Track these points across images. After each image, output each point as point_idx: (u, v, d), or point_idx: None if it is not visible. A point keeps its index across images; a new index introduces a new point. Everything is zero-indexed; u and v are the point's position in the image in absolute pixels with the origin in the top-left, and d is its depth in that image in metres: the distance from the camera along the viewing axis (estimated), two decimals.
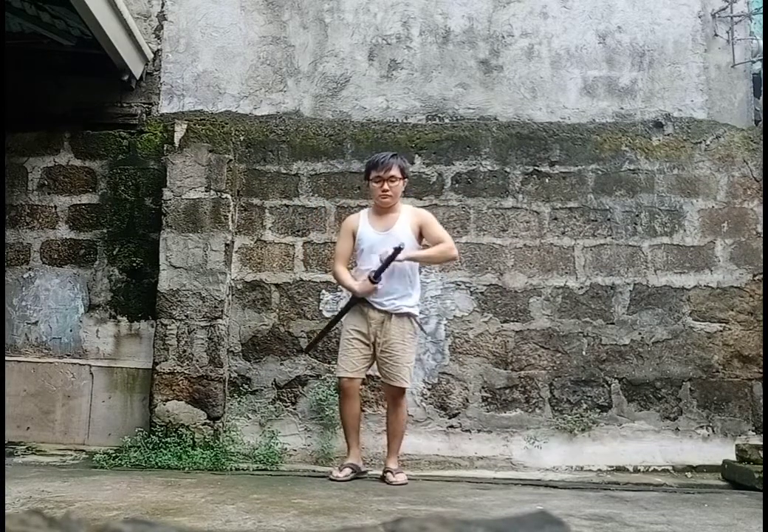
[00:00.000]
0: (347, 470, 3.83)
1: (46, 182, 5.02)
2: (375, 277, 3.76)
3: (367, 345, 3.88)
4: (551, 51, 5.15)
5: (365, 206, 4.82)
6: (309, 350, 4.47)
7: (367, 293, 3.82)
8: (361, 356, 3.88)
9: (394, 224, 3.93)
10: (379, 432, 4.54)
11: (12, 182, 4.99)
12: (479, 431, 4.59)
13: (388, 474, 3.80)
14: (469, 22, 5.19)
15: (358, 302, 3.89)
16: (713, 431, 4.61)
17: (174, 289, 4.57)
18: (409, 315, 3.88)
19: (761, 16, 5.10)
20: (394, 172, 3.92)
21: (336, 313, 4.23)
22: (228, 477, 3.86)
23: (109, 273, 4.91)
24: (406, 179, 4.06)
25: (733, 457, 4.14)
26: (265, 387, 4.64)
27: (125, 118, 5.07)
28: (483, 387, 4.65)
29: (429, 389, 4.64)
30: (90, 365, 4.79)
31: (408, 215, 3.98)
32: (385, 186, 3.90)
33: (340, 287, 4.36)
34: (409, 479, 3.93)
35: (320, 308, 4.66)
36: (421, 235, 3.97)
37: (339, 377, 3.98)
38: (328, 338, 4.65)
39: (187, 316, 4.54)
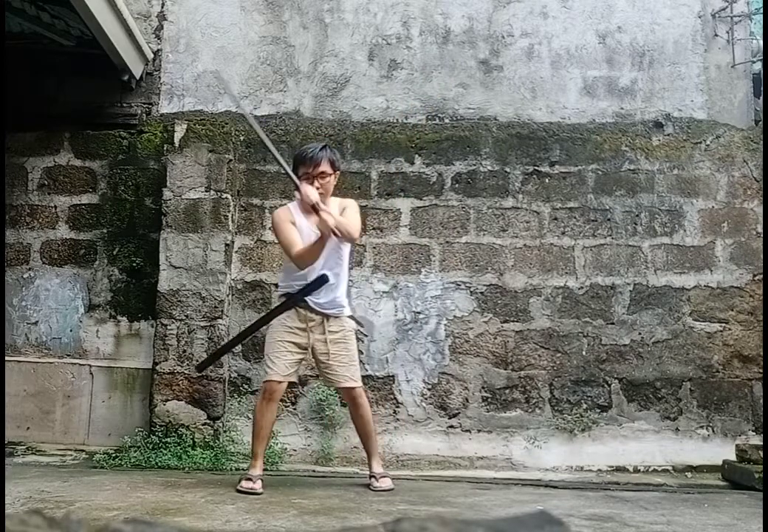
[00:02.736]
0: (260, 483, 3.45)
1: (46, 182, 5.02)
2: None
3: (302, 349, 3.57)
4: (551, 51, 5.15)
5: (365, 206, 4.83)
6: (203, 368, 4.09)
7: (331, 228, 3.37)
8: (294, 360, 3.57)
9: None
10: (379, 432, 4.53)
11: (12, 182, 4.99)
12: (479, 431, 4.59)
13: (372, 480, 3.62)
14: (469, 22, 5.19)
15: (295, 305, 3.56)
16: (713, 431, 4.61)
17: (174, 289, 4.57)
18: (347, 316, 3.65)
19: (761, 16, 5.10)
20: (324, 167, 3.54)
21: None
22: (228, 477, 3.85)
23: (109, 273, 4.91)
24: (337, 172, 3.69)
25: (733, 457, 4.14)
26: None
27: (125, 118, 5.07)
28: (483, 387, 4.65)
29: (429, 389, 4.64)
30: (90, 365, 4.79)
31: (335, 208, 3.61)
32: (316, 184, 3.51)
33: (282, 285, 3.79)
34: (409, 479, 3.93)
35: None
36: None
37: (267, 380, 3.57)
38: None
39: (187, 316, 4.54)
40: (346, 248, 3.68)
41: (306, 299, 3.54)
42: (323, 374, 3.69)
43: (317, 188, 3.53)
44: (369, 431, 3.70)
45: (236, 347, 4.67)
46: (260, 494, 3.36)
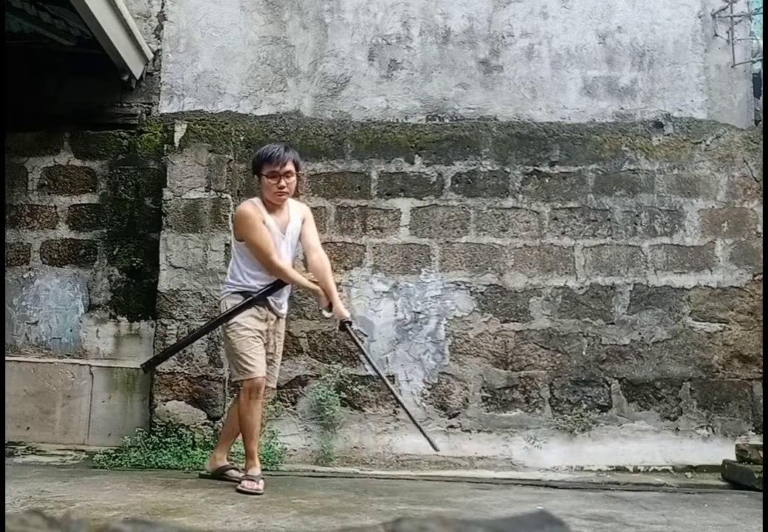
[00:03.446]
0: (262, 482, 3.47)
1: (46, 182, 5.02)
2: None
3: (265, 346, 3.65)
4: (551, 51, 5.15)
5: (365, 206, 4.84)
6: (151, 367, 4.09)
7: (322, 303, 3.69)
8: (265, 355, 3.63)
9: (289, 223, 3.70)
10: (379, 432, 4.54)
11: (12, 182, 4.99)
12: (479, 431, 4.59)
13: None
14: (469, 22, 5.19)
15: (255, 304, 3.60)
16: (713, 431, 4.61)
17: (174, 289, 4.57)
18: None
19: (761, 16, 5.10)
20: (290, 167, 3.64)
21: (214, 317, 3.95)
22: None
23: (109, 273, 4.91)
24: (299, 171, 3.83)
25: (733, 457, 4.14)
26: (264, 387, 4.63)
27: (125, 118, 5.07)
28: (483, 387, 4.65)
29: (429, 389, 4.64)
30: (90, 365, 4.79)
31: (296, 211, 3.76)
32: (282, 182, 3.60)
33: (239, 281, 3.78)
34: (409, 479, 3.93)
35: (320, 308, 4.66)
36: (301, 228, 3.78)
37: (251, 379, 3.52)
38: (328, 337, 4.65)
39: (187, 316, 4.54)
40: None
41: (267, 298, 3.62)
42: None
43: (282, 188, 3.61)
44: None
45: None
46: (261, 494, 3.36)
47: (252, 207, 3.66)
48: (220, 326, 3.75)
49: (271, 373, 3.71)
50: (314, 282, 3.67)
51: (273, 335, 3.70)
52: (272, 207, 3.68)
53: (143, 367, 4.07)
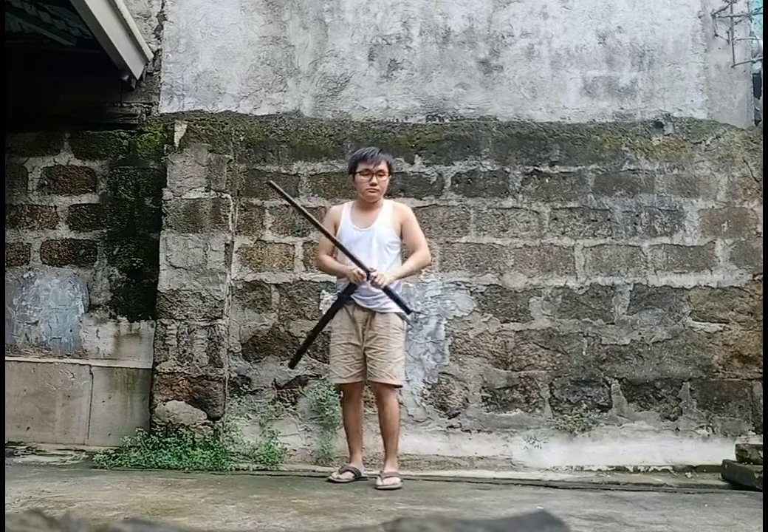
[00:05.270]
0: (348, 474, 3.78)
1: (46, 182, 5.02)
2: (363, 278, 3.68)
3: (359, 348, 3.78)
4: (551, 51, 5.15)
5: None
6: (294, 365, 4.22)
7: (356, 275, 3.67)
8: (354, 360, 3.80)
9: (374, 221, 3.85)
10: (379, 432, 4.53)
11: (12, 182, 4.99)
12: (479, 431, 4.59)
13: (377, 478, 3.65)
14: (469, 22, 5.19)
15: (344, 304, 3.79)
16: (713, 431, 4.61)
17: (174, 289, 4.57)
18: (394, 312, 3.79)
19: (761, 16, 5.10)
20: (383, 166, 3.87)
21: (319, 319, 4.09)
22: (228, 477, 3.86)
23: (109, 273, 4.91)
24: (391, 175, 4.02)
25: (733, 457, 4.14)
26: (265, 387, 4.64)
27: (125, 118, 5.07)
28: (483, 387, 4.65)
29: (429, 389, 4.64)
30: (90, 365, 4.79)
31: (389, 211, 3.91)
32: (374, 180, 3.83)
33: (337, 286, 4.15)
34: (409, 479, 3.93)
35: (320, 308, 4.66)
36: (401, 232, 3.93)
37: (336, 383, 3.96)
38: (328, 337, 4.65)
39: (187, 316, 4.54)
40: (395, 245, 3.90)
41: (352, 296, 3.77)
42: (368, 367, 3.81)
43: (374, 185, 3.83)
44: (388, 431, 3.83)
45: (237, 347, 4.69)
46: (344, 482, 3.69)
47: (334, 208, 4.07)
48: None
49: (374, 367, 3.73)
50: (362, 267, 3.67)
51: (367, 330, 3.74)
52: (363, 206, 3.91)
53: (290, 365, 4.28)
